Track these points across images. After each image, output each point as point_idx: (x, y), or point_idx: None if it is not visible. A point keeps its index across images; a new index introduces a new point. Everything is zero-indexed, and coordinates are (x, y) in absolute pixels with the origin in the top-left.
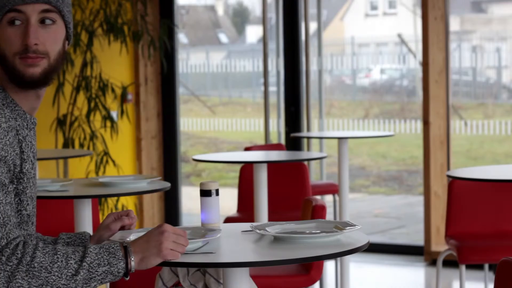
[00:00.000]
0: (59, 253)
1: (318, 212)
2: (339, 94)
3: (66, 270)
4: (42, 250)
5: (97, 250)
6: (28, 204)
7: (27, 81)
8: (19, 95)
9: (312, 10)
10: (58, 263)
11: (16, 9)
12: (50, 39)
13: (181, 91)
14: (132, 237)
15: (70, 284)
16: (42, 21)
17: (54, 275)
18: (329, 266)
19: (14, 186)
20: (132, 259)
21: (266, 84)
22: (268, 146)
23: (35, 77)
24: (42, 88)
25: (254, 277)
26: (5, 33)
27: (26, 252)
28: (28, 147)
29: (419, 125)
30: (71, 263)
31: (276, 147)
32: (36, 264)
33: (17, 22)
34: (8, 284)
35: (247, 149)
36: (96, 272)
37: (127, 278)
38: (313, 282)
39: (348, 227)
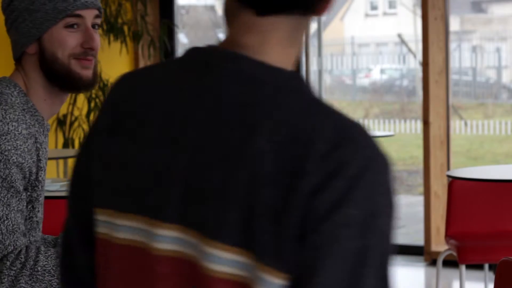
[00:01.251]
0: None
1: None
2: (339, 94)
3: None
4: (44, 254)
5: None
6: (38, 211)
7: (84, 83)
8: (47, 101)
9: None
10: None
11: (76, 14)
12: (99, 43)
13: None
14: None
15: None
16: (93, 26)
17: (57, 278)
18: None
19: (29, 193)
20: None
21: None
22: None
23: (90, 79)
24: (90, 90)
25: None
26: (61, 35)
27: (29, 256)
28: (43, 155)
29: (419, 125)
30: None
31: None
32: (39, 268)
33: (75, 26)
34: None
35: None
36: None
37: None
38: None
39: None
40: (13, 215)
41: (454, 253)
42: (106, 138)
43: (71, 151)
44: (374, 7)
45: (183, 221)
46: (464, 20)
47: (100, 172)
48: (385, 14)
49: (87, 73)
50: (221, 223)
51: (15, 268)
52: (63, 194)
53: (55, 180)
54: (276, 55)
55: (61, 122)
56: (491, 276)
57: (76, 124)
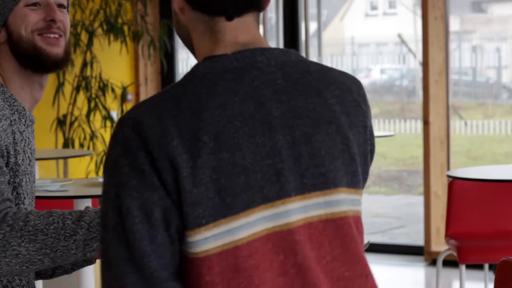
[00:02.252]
0: (54, 214)
1: None
2: None
3: (63, 231)
4: (36, 214)
5: (96, 209)
6: (25, 198)
7: (53, 61)
8: (24, 89)
9: (312, 10)
10: (55, 225)
11: None
12: (66, 20)
13: None
14: None
15: (69, 245)
16: (58, 6)
17: (51, 237)
18: None
19: (12, 180)
20: None
21: None
22: None
23: (59, 56)
24: (61, 69)
25: None
26: (22, 13)
27: (17, 217)
28: (24, 143)
29: (419, 125)
30: (68, 223)
31: None
32: (30, 228)
33: (37, 5)
34: (5, 253)
35: None
36: (97, 232)
37: None
38: None
39: None
40: None
41: (454, 253)
42: (196, 160)
43: (71, 151)
44: (374, 7)
45: (303, 189)
46: (464, 20)
47: (204, 189)
48: (385, 14)
49: (56, 50)
50: (336, 174)
51: (3, 232)
52: (63, 194)
53: (55, 180)
54: None
55: (61, 122)
56: (491, 276)
57: (76, 124)
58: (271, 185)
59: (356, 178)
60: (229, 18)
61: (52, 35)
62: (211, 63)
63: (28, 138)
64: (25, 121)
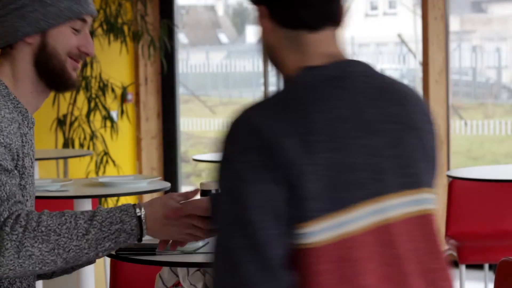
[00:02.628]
0: (66, 214)
1: None
2: None
3: (76, 231)
4: (48, 214)
5: (108, 209)
6: (27, 200)
7: (72, 84)
8: (33, 94)
9: None
10: (67, 224)
11: (83, 18)
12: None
13: (181, 91)
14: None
15: (82, 244)
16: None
17: (64, 237)
18: None
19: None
20: (143, 213)
21: (266, 84)
22: None
23: (76, 80)
24: (71, 91)
25: None
26: (67, 32)
27: (30, 218)
28: (28, 144)
29: None
30: (80, 223)
31: None
32: (43, 228)
33: (79, 31)
34: (18, 254)
35: None
36: (109, 231)
37: (141, 241)
38: None
39: None
40: (7, 187)
41: (454, 253)
42: (309, 155)
43: (71, 151)
44: (374, 7)
45: (401, 187)
46: (464, 20)
47: (319, 185)
48: (385, 14)
49: (75, 75)
50: (423, 175)
51: (16, 233)
52: (63, 194)
53: (55, 180)
54: None
55: (61, 122)
56: (491, 276)
57: (76, 124)
58: (376, 182)
59: (433, 180)
60: (312, 30)
61: (79, 64)
62: (311, 72)
63: (31, 140)
64: (28, 123)
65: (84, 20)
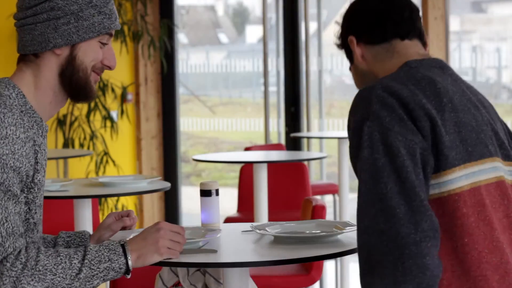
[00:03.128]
0: (62, 254)
1: (318, 212)
2: (339, 94)
3: (70, 271)
4: (45, 253)
5: (97, 248)
6: (36, 212)
7: (93, 96)
8: (51, 104)
9: (312, 10)
10: (62, 264)
11: (111, 33)
12: None
13: (181, 91)
14: (132, 236)
15: (73, 283)
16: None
17: (59, 277)
18: (329, 266)
19: (24, 195)
20: (129, 257)
21: (266, 84)
22: (268, 146)
23: (96, 93)
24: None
25: (254, 277)
26: (96, 47)
27: (30, 256)
28: (42, 157)
29: None
30: (74, 263)
31: (276, 147)
32: (41, 267)
33: (104, 45)
34: None
35: (247, 149)
36: (98, 269)
37: (129, 276)
38: (313, 282)
39: (348, 227)
40: (12, 217)
41: None
42: (447, 114)
43: (71, 151)
44: None
45: (504, 157)
46: (464, 20)
47: (453, 138)
48: None
49: (95, 88)
50: (507, 148)
51: (15, 269)
52: (63, 194)
53: (55, 180)
54: None
55: (61, 122)
56: None
57: (76, 124)
58: (491, 144)
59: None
60: (403, 38)
61: (99, 76)
62: (416, 62)
63: (44, 150)
64: (42, 132)
65: (111, 35)
